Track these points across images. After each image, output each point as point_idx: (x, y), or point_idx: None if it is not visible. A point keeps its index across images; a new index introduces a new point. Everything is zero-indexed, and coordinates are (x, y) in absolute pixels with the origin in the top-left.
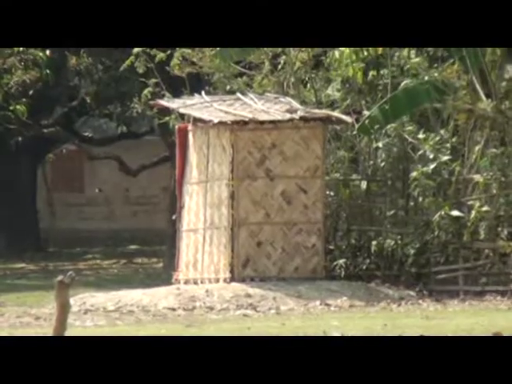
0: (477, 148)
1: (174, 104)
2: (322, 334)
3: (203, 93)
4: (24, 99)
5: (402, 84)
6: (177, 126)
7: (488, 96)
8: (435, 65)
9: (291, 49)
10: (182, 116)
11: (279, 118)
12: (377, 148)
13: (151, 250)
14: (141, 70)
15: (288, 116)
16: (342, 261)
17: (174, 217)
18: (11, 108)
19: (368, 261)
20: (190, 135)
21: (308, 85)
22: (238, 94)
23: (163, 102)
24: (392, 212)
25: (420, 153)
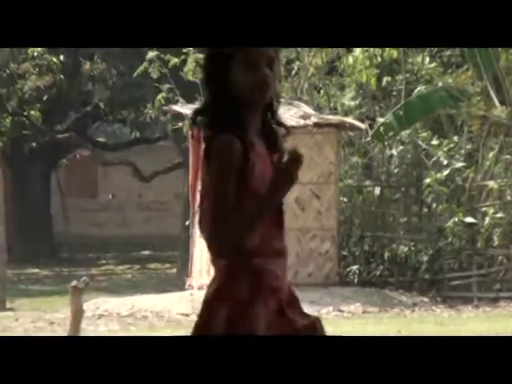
0: (491, 154)
1: (187, 110)
2: None
3: None
4: (38, 105)
5: (416, 90)
6: (190, 132)
7: (502, 102)
8: (449, 71)
9: (305, 55)
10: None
11: (293, 123)
12: (391, 155)
13: (164, 256)
14: (155, 76)
15: (302, 122)
16: (355, 267)
17: (187, 223)
18: (25, 113)
19: (381, 267)
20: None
21: (322, 91)
22: None
23: (177, 108)
24: (405, 218)
25: (434, 159)
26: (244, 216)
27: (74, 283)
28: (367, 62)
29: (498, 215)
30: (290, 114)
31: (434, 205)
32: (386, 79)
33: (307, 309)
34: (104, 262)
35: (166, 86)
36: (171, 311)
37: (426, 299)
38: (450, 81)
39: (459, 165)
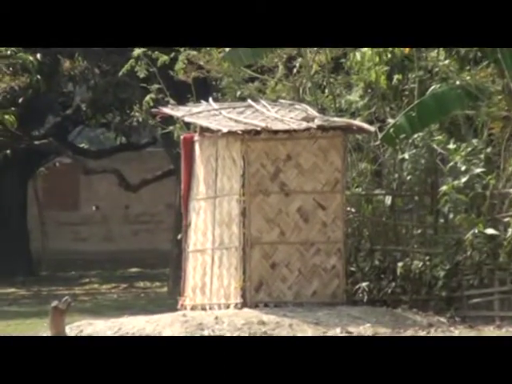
0: None
1: (178, 112)
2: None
3: (211, 99)
4: (13, 108)
5: (431, 89)
6: (182, 137)
7: None
8: (467, 67)
9: (307, 51)
10: (187, 125)
11: (295, 126)
12: (402, 160)
13: (154, 273)
14: (142, 75)
15: (304, 125)
16: (364, 284)
17: (179, 236)
18: None
19: (393, 284)
20: (197, 146)
21: (326, 90)
22: (250, 101)
23: (167, 110)
24: (419, 230)
25: (450, 165)
26: None
27: (54, 304)
28: (376, 59)
29: None
30: (291, 117)
31: (451, 215)
32: (396, 77)
33: (312, 331)
34: (87, 280)
35: (154, 86)
36: (162, 334)
37: (442, 319)
38: (468, 78)
39: (479, 170)
